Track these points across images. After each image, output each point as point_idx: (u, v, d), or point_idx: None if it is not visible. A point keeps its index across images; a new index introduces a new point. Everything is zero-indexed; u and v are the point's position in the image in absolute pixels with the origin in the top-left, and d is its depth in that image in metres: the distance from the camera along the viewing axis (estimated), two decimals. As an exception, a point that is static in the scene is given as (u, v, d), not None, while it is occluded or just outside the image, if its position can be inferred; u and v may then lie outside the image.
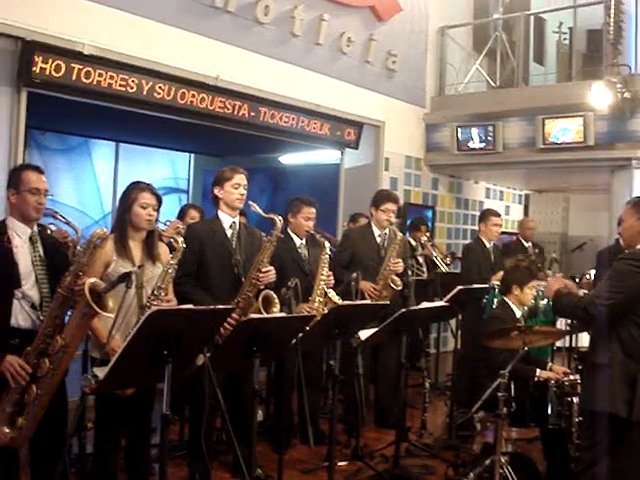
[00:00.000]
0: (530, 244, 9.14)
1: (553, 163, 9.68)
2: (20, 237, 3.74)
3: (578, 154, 9.20)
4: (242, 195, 4.81)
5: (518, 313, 5.46)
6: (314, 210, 5.72)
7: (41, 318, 3.64)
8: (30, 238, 3.77)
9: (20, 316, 3.66)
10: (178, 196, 11.73)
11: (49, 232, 3.96)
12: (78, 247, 3.69)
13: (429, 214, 10.61)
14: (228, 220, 4.87)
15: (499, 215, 7.63)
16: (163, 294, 3.93)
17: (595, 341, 3.96)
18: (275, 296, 4.67)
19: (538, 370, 4.98)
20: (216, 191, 4.86)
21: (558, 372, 5.09)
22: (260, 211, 4.83)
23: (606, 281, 3.82)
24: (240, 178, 4.82)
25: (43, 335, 3.56)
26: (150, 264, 4.08)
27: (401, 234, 6.19)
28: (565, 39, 11.88)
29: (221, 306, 3.58)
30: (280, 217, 4.79)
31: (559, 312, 4.16)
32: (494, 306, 5.94)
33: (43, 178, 3.80)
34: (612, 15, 8.81)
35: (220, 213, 4.88)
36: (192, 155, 12.12)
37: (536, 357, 5.33)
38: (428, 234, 9.08)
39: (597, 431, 3.80)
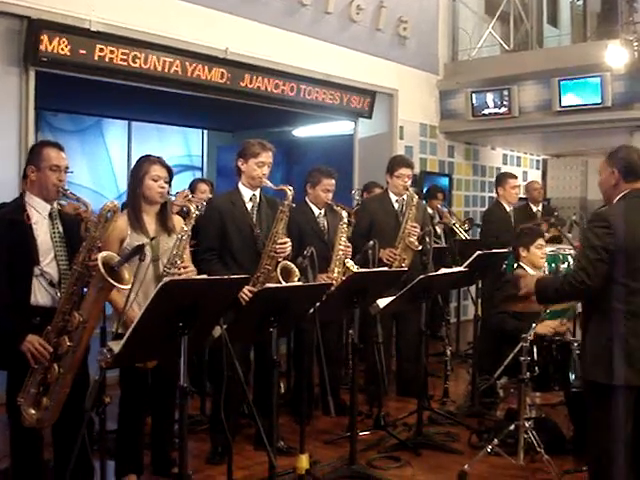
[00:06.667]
0: (539, 208, 8.54)
1: (570, 126, 9.51)
2: (40, 213, 3.72)
3: (595, 115, 9.04)
4: (264, 175, 4.74)
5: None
6: (333, 182, 5.67)
7: (59, 295, 3.62)
8: (50, 214, 3.75)
9: (39, 294, 3.64)
10: (192, 173, 11.69)
11: (59, 207, 3.91)
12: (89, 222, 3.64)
13: (446, 182, 10.50)
14: (248, 193, 4.82)
15: (516, 177, 7.54)
16: (179, 262, 3.92)
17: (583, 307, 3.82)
18: (294, 267, 4.64)
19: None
20: (239, 163, 4.80)
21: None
22: (271, 185, 4.79)
23: (581, 250, 3.65)
24: (267, 156, 4.75)
25: (61, 313, 3.54)
26: (165, 236, 4.08)
27: (417, 197, 6.10)
28: (579, -1, 11.70)
29: (235, 276, 3.55)
30: (291, 187, 4.72)
31: (548, 298, 3.92)
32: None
33: (63, 155, 3.78)
34: (626, -29, 8.65)
35: (240, 185, 4.84)
36: (205, 132, 12.08)
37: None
38: (443, 201, 8.97)
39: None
